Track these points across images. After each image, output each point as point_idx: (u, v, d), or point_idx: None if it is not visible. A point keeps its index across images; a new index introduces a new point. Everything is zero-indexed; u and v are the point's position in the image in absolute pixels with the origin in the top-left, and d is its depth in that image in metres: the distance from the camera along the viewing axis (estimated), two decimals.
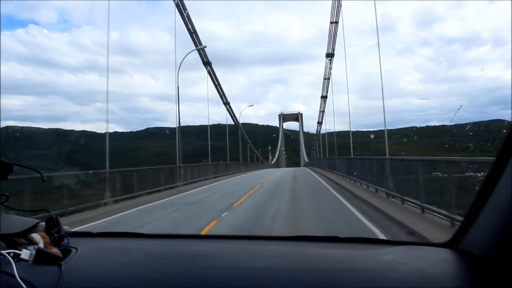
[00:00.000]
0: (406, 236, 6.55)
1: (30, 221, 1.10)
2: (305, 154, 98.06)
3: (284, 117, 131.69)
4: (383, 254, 1.12)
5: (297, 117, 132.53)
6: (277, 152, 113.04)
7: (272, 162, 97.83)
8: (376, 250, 1.21)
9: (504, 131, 0.97)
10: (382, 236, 6.51)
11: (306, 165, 76.17)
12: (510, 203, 0.91)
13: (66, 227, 1.18)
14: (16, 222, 1.07)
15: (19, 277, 0.85)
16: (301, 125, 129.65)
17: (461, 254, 1.08)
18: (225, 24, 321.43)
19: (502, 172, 0.95)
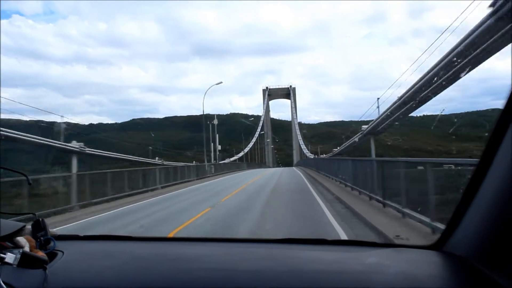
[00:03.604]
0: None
1: (15, 224, 1.14)
2: (302, 144, 76.36)
3: (270, 93, 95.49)
4: (369, 256, 1.17)
5: (288, 93, 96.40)
6: (251, 143, 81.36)
7: (229, 160, 61.37)
8: (362, 252, 1.26)
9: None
10: None
11: (303, 164, 51.12)
12: (494, 204, 0.96)
13: (52, 230, 1.23)
14: (1, 225, 1.10)
15: (3, 281, 0.89)
16: (294, 103, 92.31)
17: (446, 256, 1.12)
18: (216, 14, 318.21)
19: (486, 173, 1.00)
